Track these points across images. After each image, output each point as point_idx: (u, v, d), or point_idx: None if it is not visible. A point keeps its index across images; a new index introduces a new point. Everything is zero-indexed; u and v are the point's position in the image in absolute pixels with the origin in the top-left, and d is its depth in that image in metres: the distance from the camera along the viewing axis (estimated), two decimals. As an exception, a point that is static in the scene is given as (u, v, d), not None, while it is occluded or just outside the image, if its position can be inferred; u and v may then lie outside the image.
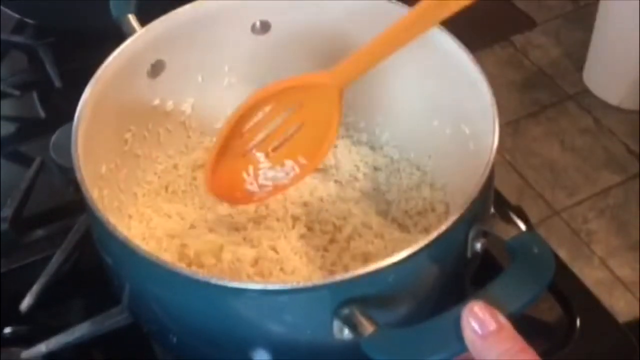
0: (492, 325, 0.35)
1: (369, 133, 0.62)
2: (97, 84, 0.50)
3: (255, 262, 0.53)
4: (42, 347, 0.51)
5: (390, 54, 0.48)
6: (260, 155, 0.53)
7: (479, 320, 0.35)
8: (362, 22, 0.57)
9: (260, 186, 0.54)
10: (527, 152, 1.63)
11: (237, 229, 0.56)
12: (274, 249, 0.54)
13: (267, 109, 0.51)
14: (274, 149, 0.53)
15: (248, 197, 0.54)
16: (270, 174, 0.54)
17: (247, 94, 0.61)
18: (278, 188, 0.54)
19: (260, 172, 0.54)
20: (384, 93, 0.60)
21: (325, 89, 0.50)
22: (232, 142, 0.52)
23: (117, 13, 0.55)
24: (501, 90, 1.73)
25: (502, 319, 0.36)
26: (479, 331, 0.35)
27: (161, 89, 0.57)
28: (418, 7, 0.45)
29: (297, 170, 0.54)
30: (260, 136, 0.53)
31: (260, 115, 0.52)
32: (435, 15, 0.45)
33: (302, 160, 0.53)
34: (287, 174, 0.54)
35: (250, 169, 0.53)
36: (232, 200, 0.54)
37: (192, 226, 0.56)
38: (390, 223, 0.57)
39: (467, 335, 0.36)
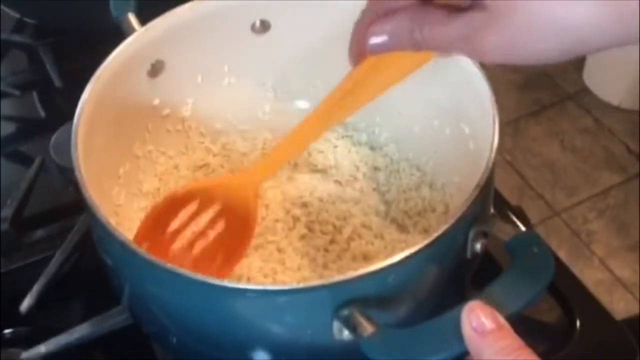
0: (491, 324, 0.35)
1: (369, 133, 0.62)
2: (97, 83, 0.50)
3: (260, 260, 0.53)
4: (42, 348, 0.50)
5: (301, 151, 0.52)
6: (182, 253, 0.52)
7: (478, 319, 0.36)
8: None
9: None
10: (527, 152, 1.63)
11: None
12: (277, 250, 0.54)
13: (190, 208, 0.52)
14: (197, 248, 0.52)
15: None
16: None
17: (247, 94, 0.62)
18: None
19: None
20: (384, 93, 0.60)
21: (241, 190, 0.52)
22: (155, 237, 0.51)
23: (117, 13, 0.55)
24: (501, 90, 1.72)
25: (501, 319, 0.36)
26: (478, 329, 0.35)
27: (161, 88, 0.57)
28: (321, 105, 0.47)
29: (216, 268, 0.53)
30: (182, 239, 0.52)
31: (180, 217, 0.52)
32: (342, 109, 0.47)
33: (221, 259, 0.53)
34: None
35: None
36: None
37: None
38: (389, 223, 0.57)
39: (466, 333, 0.36)
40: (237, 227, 0.53)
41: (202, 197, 0.52)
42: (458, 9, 0.36)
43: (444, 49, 0.37)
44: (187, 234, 0.52)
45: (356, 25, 0.41)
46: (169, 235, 0.52)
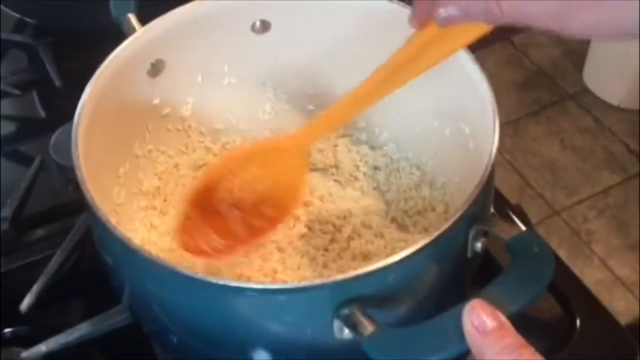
0: (493, 323, 0.35)
1: (369, 132, 0.62)
2: (97, 83, 0.50)
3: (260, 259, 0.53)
4: (42, 347, 0.50)
5: (356, 114, 0.48)
6: (229, 209, 0.51)
7: (480, 318, 0.35)
8: (362, 22, 0.57)
9: (229, 240, 0.51)
10: (527, 151, 1.63)
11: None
12: (277, 249, 0.54)
13: (236, 171, 0.50)
14: (244, 203, 0.51)
15: (218, 252, 0.51)
16: (239, 227, 0.51)
17: (247, 93, 0.62)
18: (246, 241, 0.51)
19: (230, 225, 0.51)
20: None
21: (291, 151, 0.50)
22: (202, 202, 0.50)
23: (117, 13, 0.55)
24: (501, 90, 1.72)
25: (502, 318, 0.36)
26: (480, 328, 0.35)
27: (161, 88, 0.57)
28: (380, 69, 0.44)
29: (265, 222, 0.51)
30: (229, 194, 0.51)
31: (229, 177, 0.51)
32: (400, 78, 0.44)
33: (271, 212, 0.51)
34: (256, 225, 0.51)
35: (220, 223, 0.51)
36: (203, 255, 0.51)
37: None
38: (389, 223, 0.57)
39: (468, 331, 0.36)
40: (285, 187, 0.50)
41: (247, 161, 0.50)
42: None
43: (525, 23, 0.35)
44: (234, 191, 0.50)
45: None
46: (216, 196, 0.50)
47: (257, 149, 0.51)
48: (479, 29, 0.39)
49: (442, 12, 0.37)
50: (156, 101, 0.57)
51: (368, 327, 0.39)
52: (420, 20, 0.40)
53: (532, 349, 0.35)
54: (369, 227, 0.56)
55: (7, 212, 0.59)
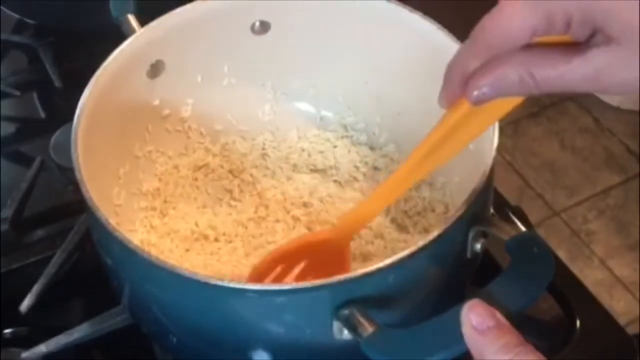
0: (491, 322, 0.35)
1: (369, 133, 0.62)
2: (97, 84, 0.50)
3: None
4: (42, 348, 0.51)
5: (392, 202, 0.49)
6: None
7: (478, 317, 0.35)
8: (362, 22, 0.57)
9: None
10: (527, 152, 1.63)
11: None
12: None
13: (278, 268, 0.50)
14: None
15: None
16: None
17: (247, 94, 0.62)
18: None
19: None
20: (383, 93, 0.60)
21: (332, 244, 0.50)
22: None
23: (117, 13, 0.55)
24: (501, 90, 1.72)
25: (501, 317, 0.36)
26: (478, 327, 0.35)
27: (161, 89, 0.57)
28: (414, 153, 0.44)
29: None
30: None
31: (272, 275, 0.50)
32: (433, 161, 0.44)
33: None
34: None
35: None
36: None
37: (196, 224, 0.56)
38: (389, 223, 0.57)
39: (466, 330, 0.36)
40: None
41: (290, 258, 0.50)
42: (573, 47, 0.33)
43: (561, 90, 0.34)
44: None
45: (452, 67, 0.38)
46: None
47: (300, 244, 0.51)
48: (514, 100, 0.38)
49: (476, 93, 0.36)
50: (156, 102, 0.57)
51: (367, 328, 0.39)
52: (451, 100, 0.40)
53: (532, 347, 0.35)
54: (369, 227, 0.56)
55: (7, 212, 0.59)
